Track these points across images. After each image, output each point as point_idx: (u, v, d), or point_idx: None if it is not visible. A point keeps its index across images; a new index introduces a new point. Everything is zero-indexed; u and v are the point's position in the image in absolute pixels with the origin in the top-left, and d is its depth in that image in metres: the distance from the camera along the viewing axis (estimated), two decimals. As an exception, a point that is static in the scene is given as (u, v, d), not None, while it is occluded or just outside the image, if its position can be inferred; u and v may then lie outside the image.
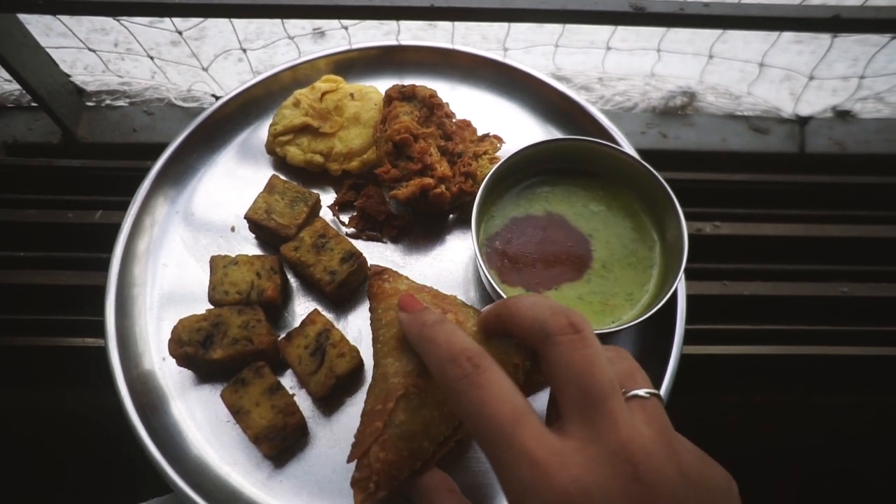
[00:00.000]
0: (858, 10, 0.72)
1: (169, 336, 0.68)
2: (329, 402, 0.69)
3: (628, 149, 0.78)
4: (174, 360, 0.68)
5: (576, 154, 0.76)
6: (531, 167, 0.77)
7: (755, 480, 0.92)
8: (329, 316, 0.75)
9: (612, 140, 0.80)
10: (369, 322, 0.62)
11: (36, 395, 0.83)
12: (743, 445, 0.91)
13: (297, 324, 0.74)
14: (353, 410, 0.69)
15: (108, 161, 0.91)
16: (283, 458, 0.67)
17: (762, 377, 0.82)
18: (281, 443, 0.64)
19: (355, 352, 0.68)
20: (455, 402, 0.43)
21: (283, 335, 0.73)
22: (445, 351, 0.45)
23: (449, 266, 0.78)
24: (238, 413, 0.64)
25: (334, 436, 0.68)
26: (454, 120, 0.82)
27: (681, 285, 0.73)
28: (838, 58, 1.12)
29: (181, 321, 0.67)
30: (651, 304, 0.68)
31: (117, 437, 0.68)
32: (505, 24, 0.97)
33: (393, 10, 0.80)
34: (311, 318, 0.69)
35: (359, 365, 0.68)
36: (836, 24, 0.73)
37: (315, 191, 0.78)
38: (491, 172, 0.71)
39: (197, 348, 0.65)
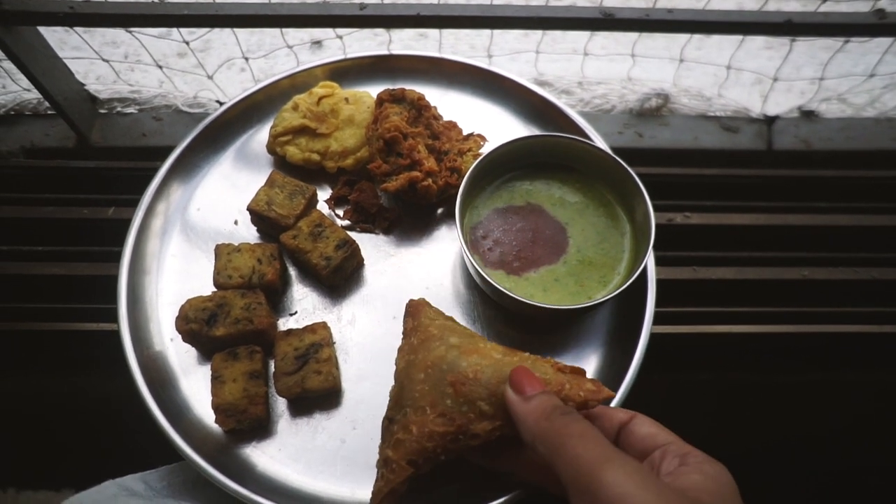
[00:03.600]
0: (809, 14, 0.79)
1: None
2: (301, 408, 0.73)
3: (602, 145, 0.84)
4: (181, 341, 0.74)
5: (553, 149, 0.82)
6: (512, 162, 0.83)
7: (725, 454, 0.97)
8: (325, 300, 0.81)
9: (588, 138, 0.86)
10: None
11: (52, 378, 0.89)
12: (714, 420, 0.96)
13: (294, 308, 0.80)
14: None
15: (120, 162, 0.97)
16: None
17: (730, 355, 0.88)
18: (236, 423, 0.69)
19: (331, 376, 0.71)
20: None
21: (281, 319, 0.79)
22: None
23: (437, 255, 0.84)
24: (216, 378, 0.70)
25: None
26: (441, 121, 0.89)
27: (650, 267, 0.78)
28: (806, 62, 1.18)
29: (188, 301, 0.73)
30: (621, 285, 0.74)
31: (130, 417, 0.73)
32: (490, 35, 1.04)
33: (382, 19, 0.87)
34: (316, 327, 0.74)
35: (331, 388, 0.71)
36: (788, 28, 0.80)
37: (312, 186, 0.84)
38: (473, 166, 0.77)
39: (202, 325, 0.71)
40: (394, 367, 0.66)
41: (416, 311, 0.69)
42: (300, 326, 0.75)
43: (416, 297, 0.74)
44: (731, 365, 0.89)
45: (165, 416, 0.71)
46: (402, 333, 0.70)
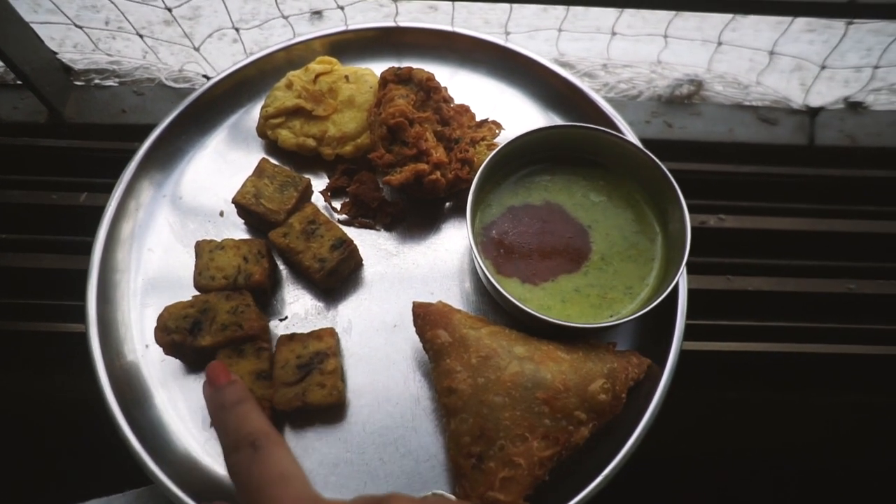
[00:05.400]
0: (876, -6, 0.69)
1: (153, 323, 0.65)
2: (302, 420, 0.66)
3: (632, 138, 0.76)
4: (158, 348, 0.66)
5: (577, 142, 0.73)
6: (530, 155, 0.74)
7: (746, 477, 0.90)
8: (318, 305, 0.73)
9: (616, 129, 0.77)
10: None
11: (15, 378, 0.81)
12: (736, 442, 0.88)
13: (286, 312, 0.72)
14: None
15: (95, 142, 0.88)
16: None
17: (765, 375, 0.80)
18: None
19: (336, 390, 0.63)
20: (234, 482, 0.46)
21: (272, 321, 0.71)
22: (232, 439, 0.48)
23: (444, 255, 0.76)
24: None
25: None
26: (452, 105, 0.80)
27: (682, 280, 0.70)
28: (851, 48, 1.08)
29: (167, 308, 0.65)
30: (651, 299, 0.66)
31: (100, 424, 0.66)
32: (507, 9, 0.94)
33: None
34: (322, 333, 0.66)
35: (335, 403, 0.64)
36: (852, 9, 0.70)
37: (307, 176, 0.76)
38: (488, 159, 0.69)
39: (185, 335, 0.63)
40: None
41: (443, 320, 0.62)
42: (304, 331, 0.67)
43: (420, 301, 0.66)
44: (764, 385, 0.81)
45: (136, 434, 0.63)
46: (429, 348, 0.63)
